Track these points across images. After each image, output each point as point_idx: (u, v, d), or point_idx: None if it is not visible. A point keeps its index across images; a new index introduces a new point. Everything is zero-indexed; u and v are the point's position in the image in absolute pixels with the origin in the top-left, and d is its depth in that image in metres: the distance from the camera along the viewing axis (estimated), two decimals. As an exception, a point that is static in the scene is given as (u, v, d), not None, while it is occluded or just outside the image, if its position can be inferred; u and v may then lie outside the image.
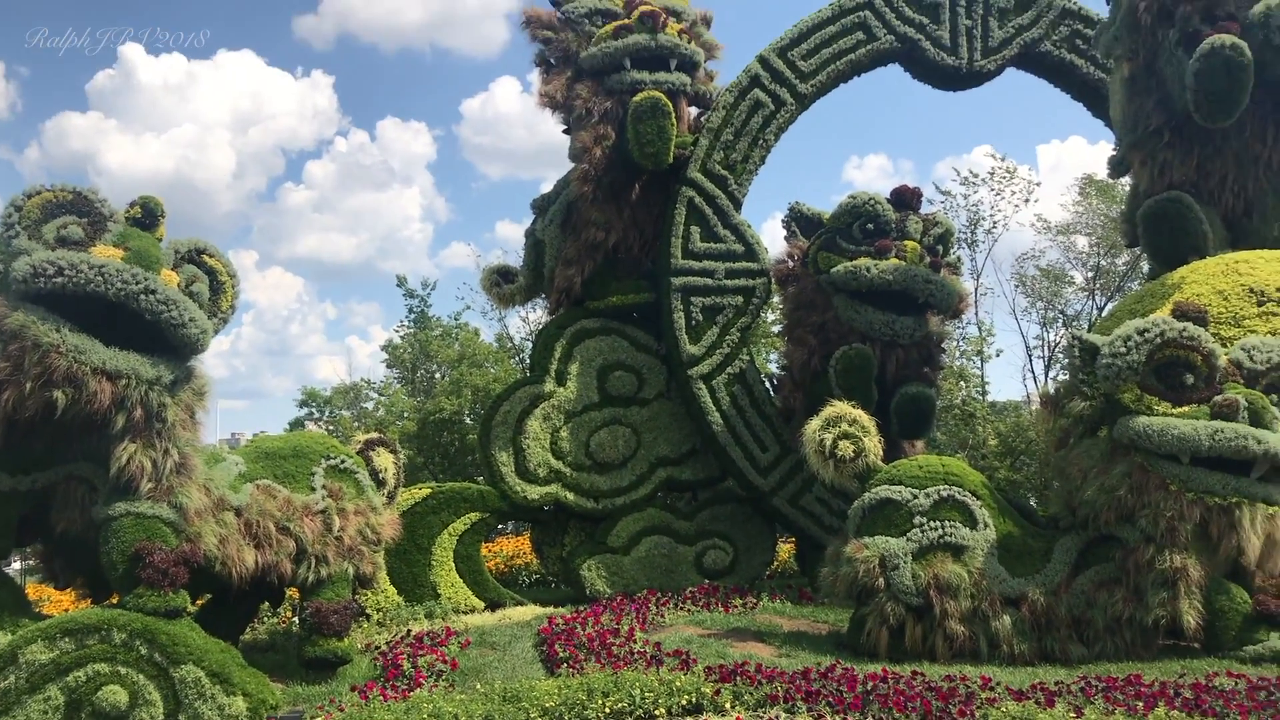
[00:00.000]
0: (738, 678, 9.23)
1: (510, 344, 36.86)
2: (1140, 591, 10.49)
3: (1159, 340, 10.64)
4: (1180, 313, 10.98)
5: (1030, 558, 11.13)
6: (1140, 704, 8.20)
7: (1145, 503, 10.50)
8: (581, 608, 14.32)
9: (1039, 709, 8.02)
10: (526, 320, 35.33)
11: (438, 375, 36.34)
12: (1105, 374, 10.81)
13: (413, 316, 38.02)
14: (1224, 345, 11.22)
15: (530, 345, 24.10)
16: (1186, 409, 10.61)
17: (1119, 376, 10.75)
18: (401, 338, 37.68)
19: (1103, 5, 15.44)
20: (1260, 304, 12.01)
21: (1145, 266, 25.66)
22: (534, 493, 16.06)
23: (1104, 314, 27.99)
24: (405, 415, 34.26)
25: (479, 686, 9.24)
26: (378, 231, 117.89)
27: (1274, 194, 14.31)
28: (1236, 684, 8.88)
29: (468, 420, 31.50)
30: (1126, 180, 16.96)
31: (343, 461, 11.80)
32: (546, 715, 8.26)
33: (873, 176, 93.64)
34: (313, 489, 11.28)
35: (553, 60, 17.37)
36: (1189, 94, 13.20)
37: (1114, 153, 15.62)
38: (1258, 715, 7.98)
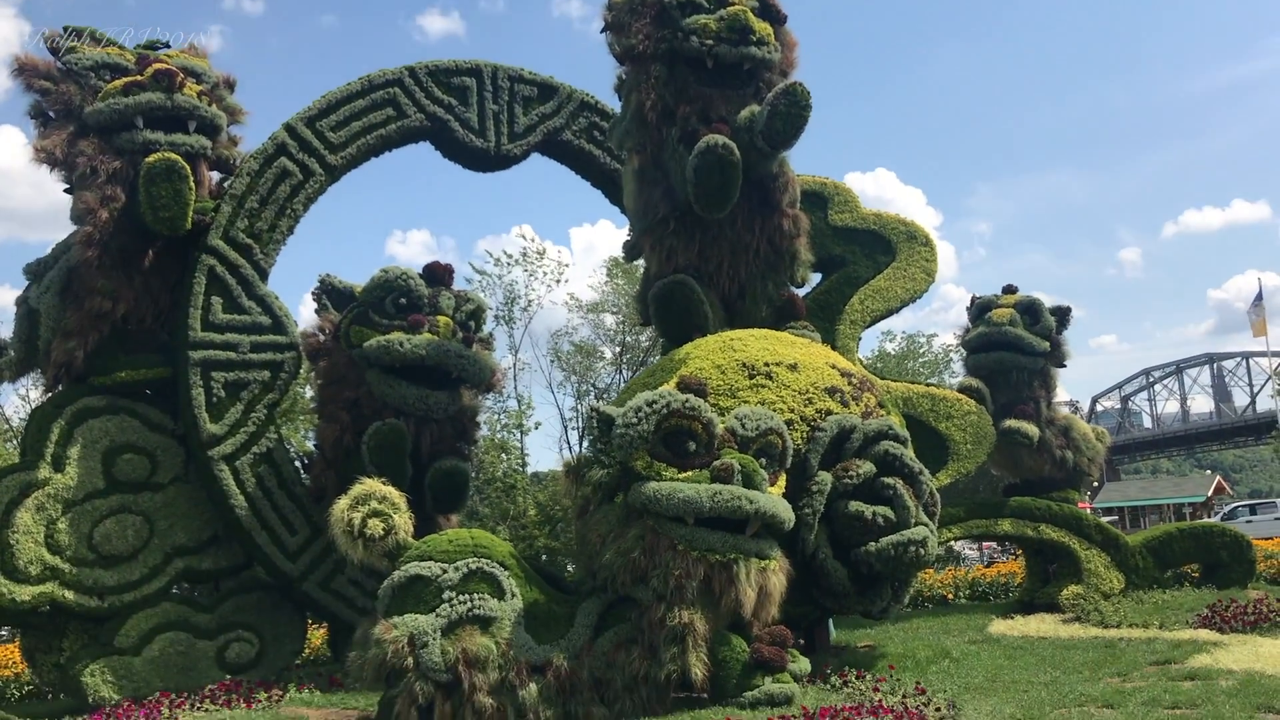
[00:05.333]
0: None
1: (7, 426, 32.80)
2: (654, 649, 11.03)
3: (665, 411, 11.43)
4: (684, 385, 11.91)
5: (556, 624, 11.38)
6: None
7: (656, 563, 11.11)
8: (82, 719, 12.83)
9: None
10: (27, 398, 31.61)
11: (-88, 463, 31.44)
12: (619, 443, 11.43)
13: (-121, 396, 32.80)
14: (721, 415, 12.28)
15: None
16: (690, 474, 11.44)
17: (632, 445, 11.40)
18: None
19: (617, 101, 16.65)
20: (751, 377, 13.32)
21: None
22: (25, 593, 14.14)
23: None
24: None
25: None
26: None
27: (761, 279, 15.92)
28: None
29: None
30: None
31: None
32: None
33: (416, 251, 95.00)
34: None
35: (52, 113, 15.80)
36: (689, 186, 14.49)
37: (628, 238, 16.80)
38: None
